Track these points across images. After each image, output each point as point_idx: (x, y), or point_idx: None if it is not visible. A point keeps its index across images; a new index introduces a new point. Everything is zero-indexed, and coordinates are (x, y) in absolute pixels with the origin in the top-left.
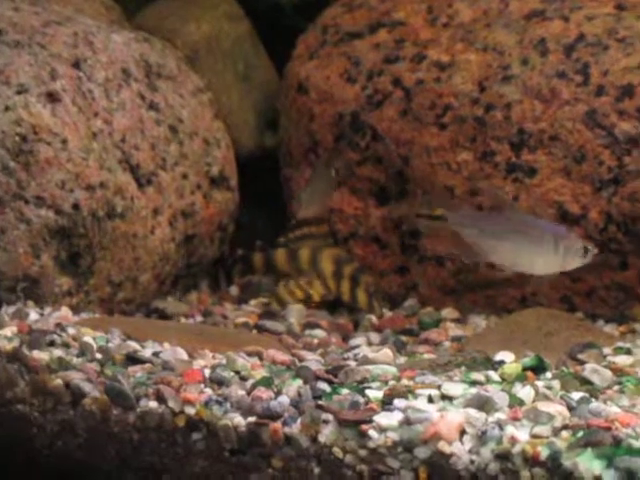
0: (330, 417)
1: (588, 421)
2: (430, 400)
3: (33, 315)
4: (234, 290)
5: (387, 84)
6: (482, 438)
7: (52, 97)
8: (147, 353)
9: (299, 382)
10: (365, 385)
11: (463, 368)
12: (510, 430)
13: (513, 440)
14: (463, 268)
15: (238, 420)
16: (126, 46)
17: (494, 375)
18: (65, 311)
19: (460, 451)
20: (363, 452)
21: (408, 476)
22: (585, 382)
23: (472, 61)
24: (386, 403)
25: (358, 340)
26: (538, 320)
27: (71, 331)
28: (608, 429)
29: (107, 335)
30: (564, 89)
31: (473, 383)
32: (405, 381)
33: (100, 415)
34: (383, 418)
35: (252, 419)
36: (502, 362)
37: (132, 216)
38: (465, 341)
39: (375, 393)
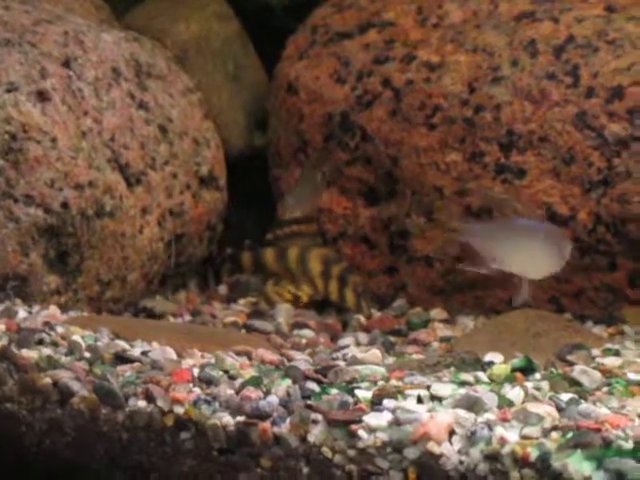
0: (319, 417)
1: (578, 422)
2: (419, 400)
3: (21, 313)
4: (223, 289)
5: (377, 84)
6: (471, 439)
7: (42, 96)
8: (136, 352)
9: (288, 382)
10: (354, 385)
11: (452, 369)
12: (499, 431)
13: (502, 441)
14: (452, 269)
15: (227, 419)
16: (116, 45)
17: (483, 376)
18: (53, 309)
19: (449, 452)
20: (352, 452)
21: (397, 476)
22: (574, 383)
23: (462, 62)
24: (375, 403)
25: (347, 340)
26: (526, 321)
27: (60, 330)
28: (598, 430)
29: (96, 334)
30: (554, 90)
31: (462, 384)
32: (394, 381)
33: (89, 414)
34: (372, 418)
35: (241, 418)
36: (491, 363)
37: (121, 215)
38: (454, 342)
39: (364, 393)
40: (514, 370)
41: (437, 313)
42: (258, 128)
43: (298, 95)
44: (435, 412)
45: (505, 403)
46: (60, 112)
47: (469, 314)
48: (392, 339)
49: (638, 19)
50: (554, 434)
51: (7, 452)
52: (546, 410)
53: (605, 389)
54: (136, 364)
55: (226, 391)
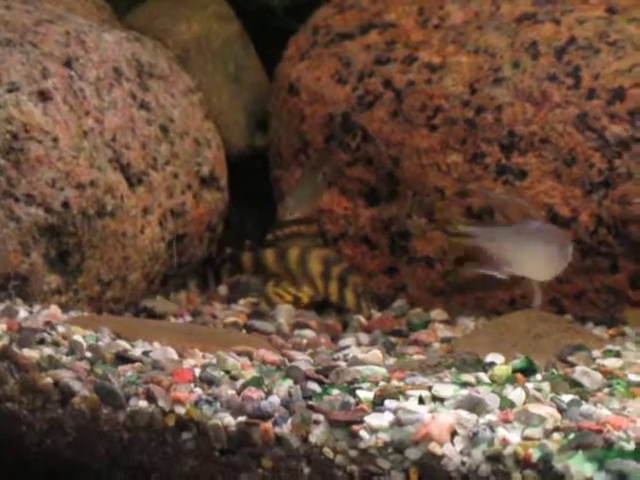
0: (321, 417)
1: (579, 423)
2: (421, 401)
3: (22, 313)
4: (223, 290)
5: (378, 85)
6: (473, 439)
7: (43, 95)
8: (137, 352)
9: (289, 382)
10: (355, 386)
11: (453, 369)
12: (501, 432)
13: (504, 442)
14: (452, 270)
15: (228, 420)
16: (118, 45)
17: (484, 377)
18: (54, 309)
19: (451, 452)
20: (354, 453)
21: (399, 477)
22: (575, 384)
23: (463, 63)
24: (377, 404)
25: (347, 341)
26: (527, 322)
27: (61, 329)
28: (599, 432)
29: (97, 334)
30: (555, 92)
31: (464, 385)
32: (395, 382)
33: (90, 414)
34: (374, 419)
35: (242, 419)
36: (492, 364)
37: (122, 215)
38: (454, 343)
39: (366, 394)
40: (515, 371)
41: (437, 314)
42: (259, 129)
43: (299, 96)
44: (437, 413)
45: (507, 404)
46: (61, 112)
47: (469, 315)
48: (393, 340)
49: (639, 21)
50: (556, 435)
51: (8, 452)
52: (548, 411)
53: (606, 390)
54: (137, 364)
55: (227, 391)
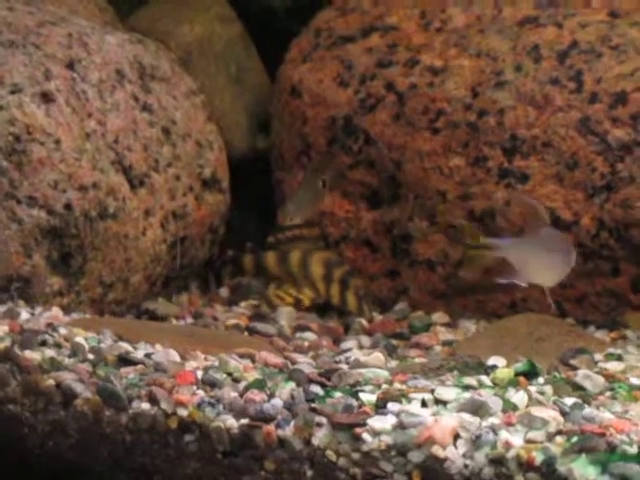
0: (324, 420)
1: (582, 427)
2: (424, 404)
3: (24, 315)
4: (224, 292)
5: (380, 88)
6: (476, 442)
7: (46, 97)
8: (139, 354)
9: (292, 385)
10: (358, 388)
11: (455, 372)
12: (504, 435)
13: (507, 445)
14: (453, 273)
15: (231, 422)
16: (120, 47)
17: (486, 380)
18: (56, 311)
19: (454, 455)
20: (356, 455)
21: None
22: (577, 388)
23: (465, 66)
24: (380, 407)
25: (349, 343)
26: (529, 325)
27: (63, 331)
28: (602, 435)
29: (99, 336)
30: (557, 96)
31: (466, 387)
32: (398, 385)
33: (92, 416)
34: (377, 422)
35: (245, 421)
36: (494, 367)
37: (124, 217)
38: (456, 345)
39: (368, 396)
40: (517, 374)
41: (439, 317)
42: (261, 131)
43: (301, 98)
44: (440, 416)
45: (510, 407)
46: (64, 114)
47: (471, 318)
48: (394, 342)
49: None
50: (559, 438)
51: (10, 454)
52: (550, 414)
53: (608, 394)
54: (139, 366)
55: (230, 394)
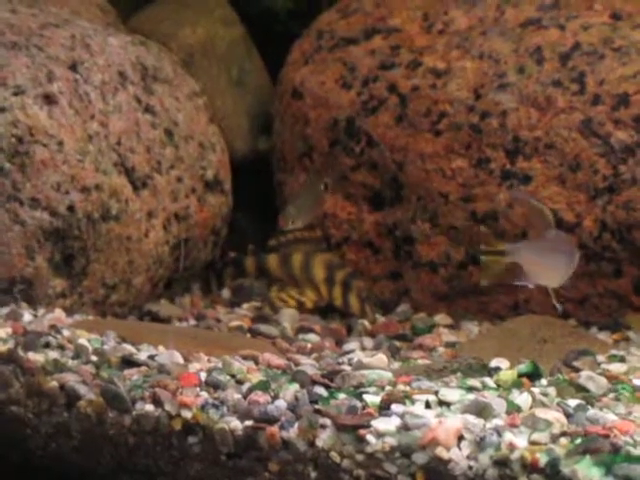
0: (328, 421)
1: (586, 428)
2: (427, 406)
3: (27, 316)
4: (226, 293)
5: (382, 90)
6: (480, 444)
7: (49, 99)
8: (143, 356)
9: (296, 386)
10: (362, 390)
11: (459, 374)
12: (508, 436)
13: (511, 446)
14: (456, 274)
15: (235, 424)
16: (123, 49)
17: (490, 381)
18: (59, 313)
19: (458, 457)
20: (360, 457)
21: None
22: (581, 389)
23: (468, 68)
24: (384, 408)
25: (352, 345)
26: (532, 327)
27: (66, 333)
28: (606, 436)
29: (102, 337)
30: (560, 97)
31: (470, 389)
32: (401, 386)
33: (95, 418)
34: (381, 423)
35: (249, 423)
36: (498, 368)
37: (127, 219)
38: (459, 347)
39: (372, 398)
40: (520, 376)
41: (441, 318)
42: (262, 132)
43: (303, 100)
44: (444, 417)
45: (513, 409)
46: (67, 115)
47: (473, 319)
48: (397, 344)
49: None
50: (563, 440)
51: (13, 455)
52: (554, 416)
53: (611, 395)
54: (143, 368)
55: (234, 395)
